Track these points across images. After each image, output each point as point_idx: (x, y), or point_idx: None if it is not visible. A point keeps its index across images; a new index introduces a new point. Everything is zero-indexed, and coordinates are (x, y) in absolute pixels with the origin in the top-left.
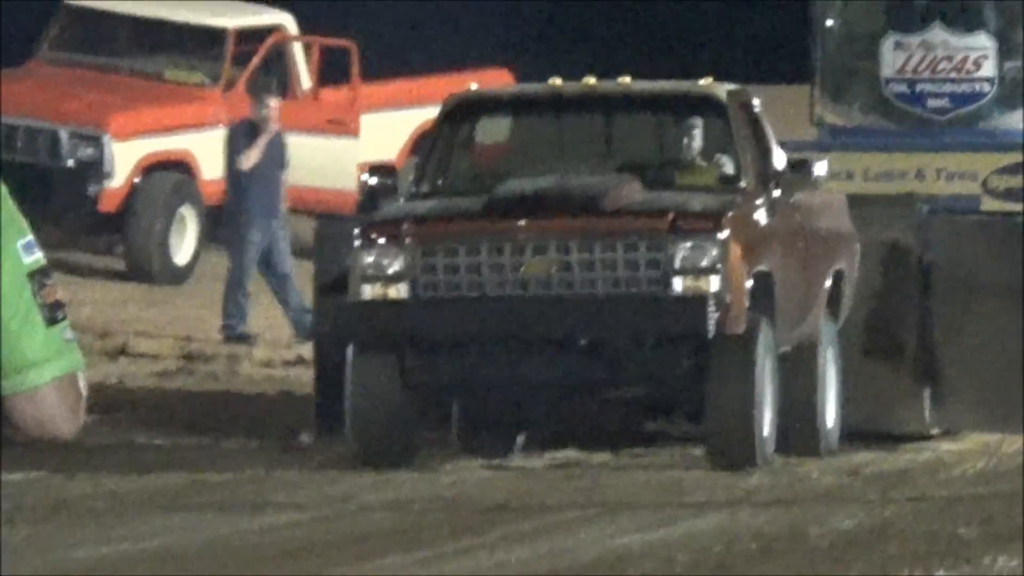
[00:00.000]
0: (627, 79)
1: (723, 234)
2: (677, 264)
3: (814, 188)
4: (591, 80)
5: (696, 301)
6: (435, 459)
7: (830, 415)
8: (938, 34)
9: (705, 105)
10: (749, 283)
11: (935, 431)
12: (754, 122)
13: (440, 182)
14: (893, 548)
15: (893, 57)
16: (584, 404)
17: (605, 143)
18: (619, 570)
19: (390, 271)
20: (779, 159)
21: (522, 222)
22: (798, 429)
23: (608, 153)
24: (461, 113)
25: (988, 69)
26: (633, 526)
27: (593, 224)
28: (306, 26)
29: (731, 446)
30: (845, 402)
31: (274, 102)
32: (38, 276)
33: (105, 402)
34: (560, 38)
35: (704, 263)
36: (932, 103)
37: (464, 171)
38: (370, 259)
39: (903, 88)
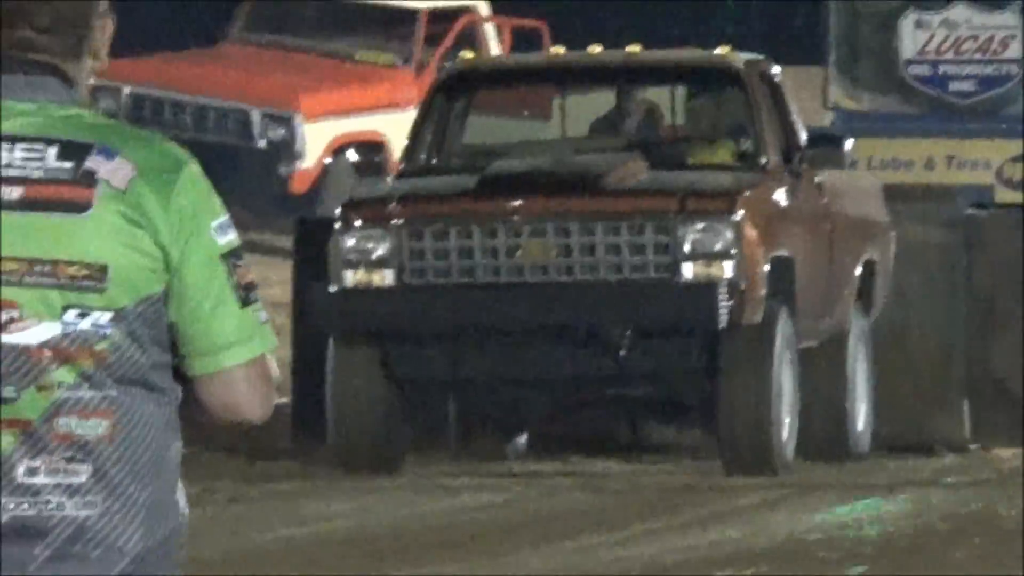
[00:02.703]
0: (636, 48)
1: (737, 215)
2: (687, 248)
3: (842, 167)
4: (596, 49)
5: (707, 289)
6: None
7: (860, 416)
8: (961, 11)
9: (721, 76)
10: (766, 269)
11: (974, 446)
12: (775, 94)
13: (431, 159)
14: None
15: (913, 36)
16: (587, 401)
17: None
18: (808, 551)
19: (374, 255)
20: (802, 135)
21: (518, 202)
22: (825, 431)
23: (614, 128)
24: (456, 85)
25: (1015, 50)
26: (821, 507)
27: (595, 205)
28: (498, 6)
29: (745, 449)
30: (878, 411)
31: None
32: (231, 257)
33: None
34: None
35: (716, 247)
36: (955, 86)
37: (458, 147)
38: (352, 242)
39: (924, 70)
